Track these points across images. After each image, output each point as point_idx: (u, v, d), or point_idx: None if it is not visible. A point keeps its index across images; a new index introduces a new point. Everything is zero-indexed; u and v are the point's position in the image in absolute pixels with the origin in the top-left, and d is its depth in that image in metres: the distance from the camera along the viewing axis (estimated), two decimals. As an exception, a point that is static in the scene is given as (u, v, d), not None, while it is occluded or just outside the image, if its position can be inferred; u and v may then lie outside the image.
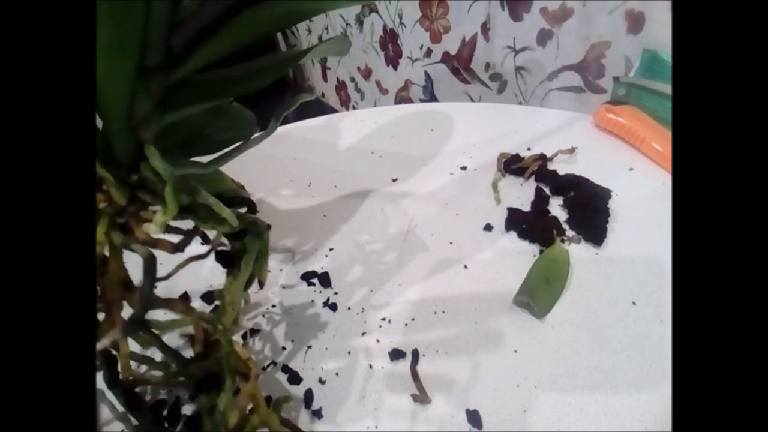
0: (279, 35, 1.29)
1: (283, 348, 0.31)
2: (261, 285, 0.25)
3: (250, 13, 0.16)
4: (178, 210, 0.17)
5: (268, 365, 0.30)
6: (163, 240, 0.19)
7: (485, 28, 0.72)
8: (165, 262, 0.20)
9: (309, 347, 0.31)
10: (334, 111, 1.25)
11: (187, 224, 0.20)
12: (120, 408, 0.20)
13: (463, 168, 0.45)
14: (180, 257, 0.21)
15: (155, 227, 0.17)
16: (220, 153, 0.20)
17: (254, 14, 0.17)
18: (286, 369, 0.30)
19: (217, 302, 0.24)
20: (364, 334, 0.31)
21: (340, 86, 1.24)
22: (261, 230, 0.22)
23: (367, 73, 1.10)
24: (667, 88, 0.46)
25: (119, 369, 0.19)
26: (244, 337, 0.31)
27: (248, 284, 0.23)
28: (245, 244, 0.21)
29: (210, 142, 0.23)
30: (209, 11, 0.16)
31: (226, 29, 0.17)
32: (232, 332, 0.22)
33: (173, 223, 0.18)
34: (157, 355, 0.22)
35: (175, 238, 0.20)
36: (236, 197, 0.32)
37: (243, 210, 0.33)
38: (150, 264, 0.17)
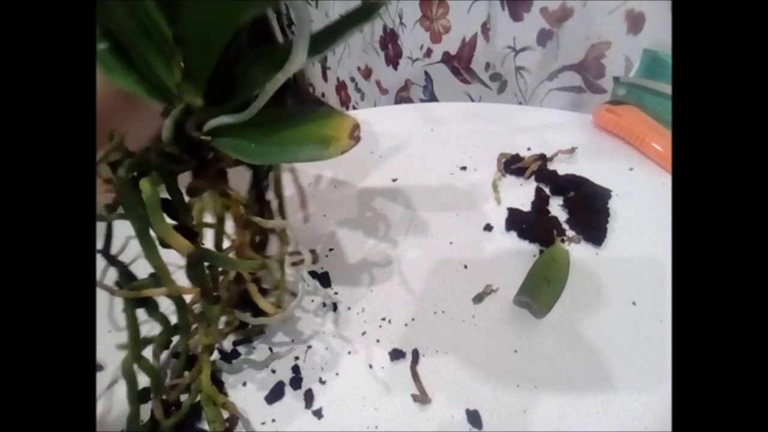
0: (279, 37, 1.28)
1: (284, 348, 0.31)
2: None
3: None
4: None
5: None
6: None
7: (485, 28, 0.72)
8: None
9: (309, 347, 0.31)
10: (334, 111, 1.25)
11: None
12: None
13: (463, 168, 0.45)
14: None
15: None
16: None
17: None
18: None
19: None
20: (364, 334, 0.31)
21: (340, 86, 1.24)
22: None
23: (367, 73, 1.10)
24: (667, 88, 0.46)
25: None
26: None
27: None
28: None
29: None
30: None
31: None
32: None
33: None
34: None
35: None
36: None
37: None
38: None
